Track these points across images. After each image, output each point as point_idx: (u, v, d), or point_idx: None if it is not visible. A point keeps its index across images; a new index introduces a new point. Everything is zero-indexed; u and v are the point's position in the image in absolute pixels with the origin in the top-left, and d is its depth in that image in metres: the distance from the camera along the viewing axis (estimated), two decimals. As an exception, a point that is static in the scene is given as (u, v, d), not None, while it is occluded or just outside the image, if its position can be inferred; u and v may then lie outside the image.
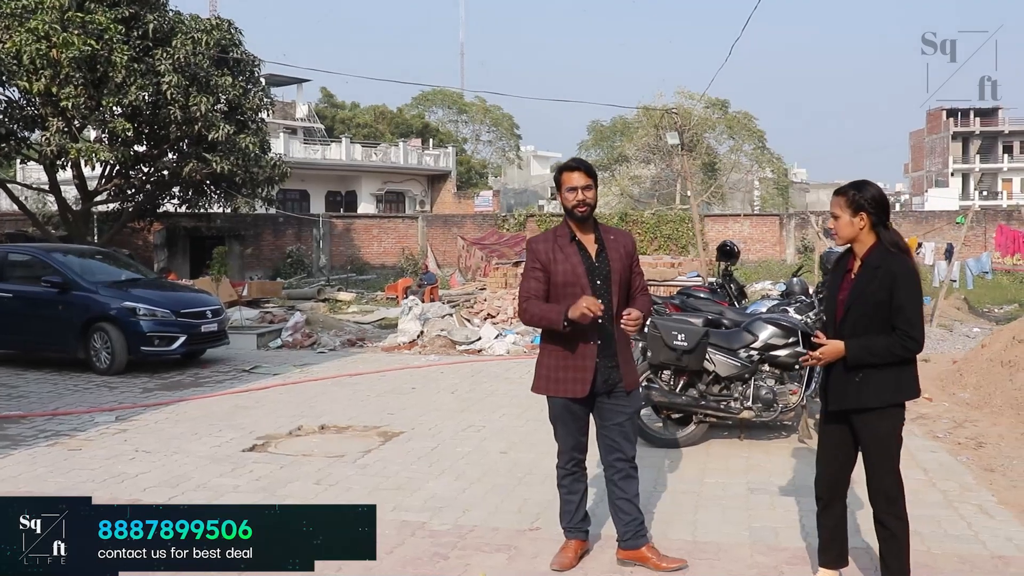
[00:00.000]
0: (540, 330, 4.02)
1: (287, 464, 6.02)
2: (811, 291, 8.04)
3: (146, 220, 23.76)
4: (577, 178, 3.88)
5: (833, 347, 3.41)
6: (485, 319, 14.06)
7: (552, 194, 69.79)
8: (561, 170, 3.98)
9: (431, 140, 49.37)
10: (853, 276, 3.47)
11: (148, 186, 21.46)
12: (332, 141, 43.30)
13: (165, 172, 20.51)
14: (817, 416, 4.06)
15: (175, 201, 22.75)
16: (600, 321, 3.77)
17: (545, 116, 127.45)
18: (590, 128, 49.20)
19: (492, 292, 16.48)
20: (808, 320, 6.63)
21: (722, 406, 6.15)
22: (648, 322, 6.10)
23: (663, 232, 30.68)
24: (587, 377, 3.83)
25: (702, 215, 32.41)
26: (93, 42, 16.23)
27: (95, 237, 23.15)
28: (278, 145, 37.27)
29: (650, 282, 17.72)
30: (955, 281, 16.59)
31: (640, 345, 6.41)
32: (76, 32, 16.03)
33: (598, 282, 3.85)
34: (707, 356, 6.07)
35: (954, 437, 6.50)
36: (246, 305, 16.31)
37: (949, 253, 20.27)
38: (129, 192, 21.56)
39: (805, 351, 3.62)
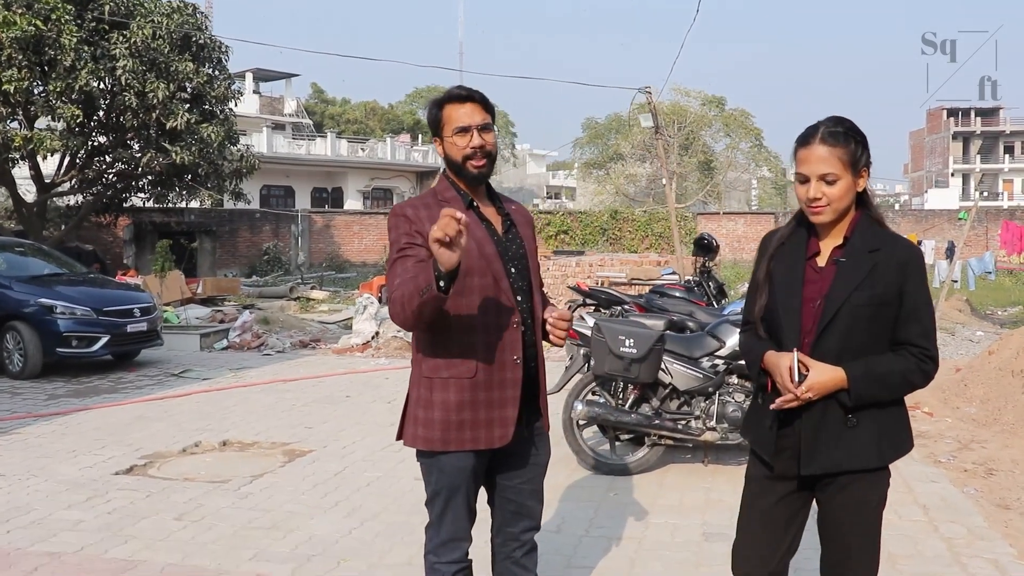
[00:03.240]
0: (420, 348, 2.51)
1: (156, 492, 5.00)
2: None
3: (111, 214, 22.64)
4: (469, 113, 2.43)
5: (830, 377, 2.16)
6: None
7: (548, 192, 68.88)
8: (442, 103, 2.49)
9: (421, 136, 48.31)
10: (826, 265, 2.26)
11: (111, 178, 20.38)
12: (319, 136, 42.22)
13: (129, 163, 19.43)
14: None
15: (143, 195, 21.69)
16: (516, 324, 2.45)
17: (541, 114, 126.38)
18: (585, 125, 47.98)
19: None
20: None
21: (680, 426, 5.11)
22: (592, 324, 5.09)
23: (655, 230, 29.59)
24: (511, 415, 2.45)
25: (695, 213, 31.37)
26: (39, 22, 15.20)
27: (61, 230, 22.10)
28: (261, 139, 36.23)
29: (634, 281, 16.55)
30: (956, 281, 15.61)
31: (583, 352, 5.37)
32: (20, 11, 15.00)
33: (513, 269, 2.50)
34: (663, 366, 5.04)
35: (959, 462, 5.47)
36: (200, 303, 15.28)
37: (950, 252, 19.26)
38: (92, 184, 20.47)
39: (770, 380, 2.29)
